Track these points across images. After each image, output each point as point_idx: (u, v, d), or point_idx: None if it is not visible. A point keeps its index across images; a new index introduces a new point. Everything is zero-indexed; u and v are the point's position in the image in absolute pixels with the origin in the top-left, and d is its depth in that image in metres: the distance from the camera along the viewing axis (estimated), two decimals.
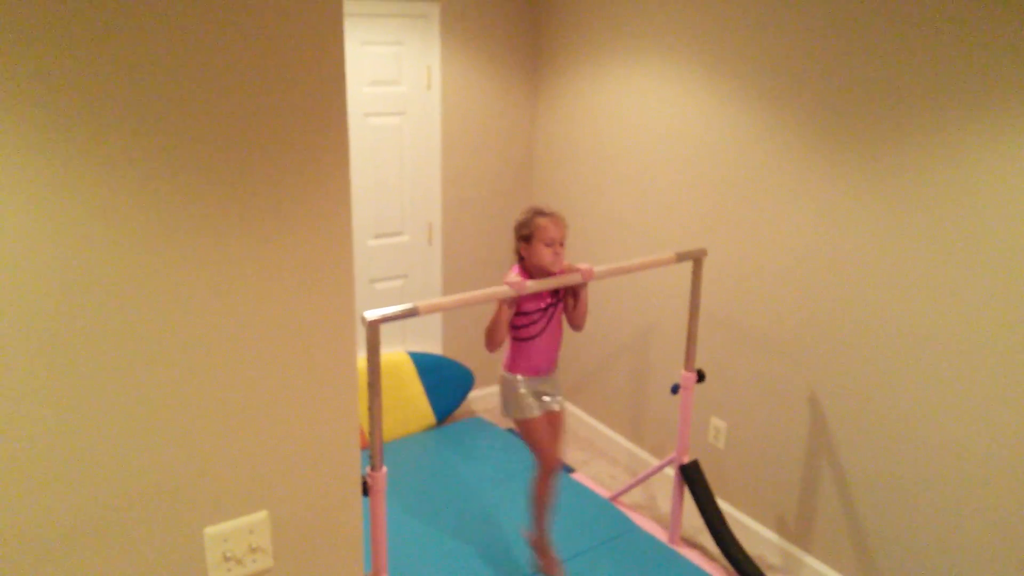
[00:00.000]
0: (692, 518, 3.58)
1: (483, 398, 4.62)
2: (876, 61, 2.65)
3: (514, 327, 2.88)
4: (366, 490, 2.47)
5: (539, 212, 2.87)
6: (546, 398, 3.00)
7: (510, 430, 4.25)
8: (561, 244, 2.83)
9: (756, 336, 3.28)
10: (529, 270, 2.83)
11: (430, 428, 4.21)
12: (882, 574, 2.94)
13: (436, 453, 3.98)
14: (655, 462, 3.87)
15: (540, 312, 2.88)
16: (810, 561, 3.20)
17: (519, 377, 2.94)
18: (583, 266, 2.84)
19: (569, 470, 3.94)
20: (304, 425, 1.27)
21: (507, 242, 2.92)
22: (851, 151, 2.79)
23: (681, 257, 3.00)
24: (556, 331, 2.96)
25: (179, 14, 1.02)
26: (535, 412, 2.95)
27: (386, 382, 4.02)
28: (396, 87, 3.94)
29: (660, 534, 3.40)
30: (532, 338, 2.90)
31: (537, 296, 2.86)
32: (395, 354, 4.17)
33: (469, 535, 3.28)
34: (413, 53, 3.94)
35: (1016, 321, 2.42)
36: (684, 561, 3.15)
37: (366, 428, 3.47)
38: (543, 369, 2.97)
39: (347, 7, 3.67)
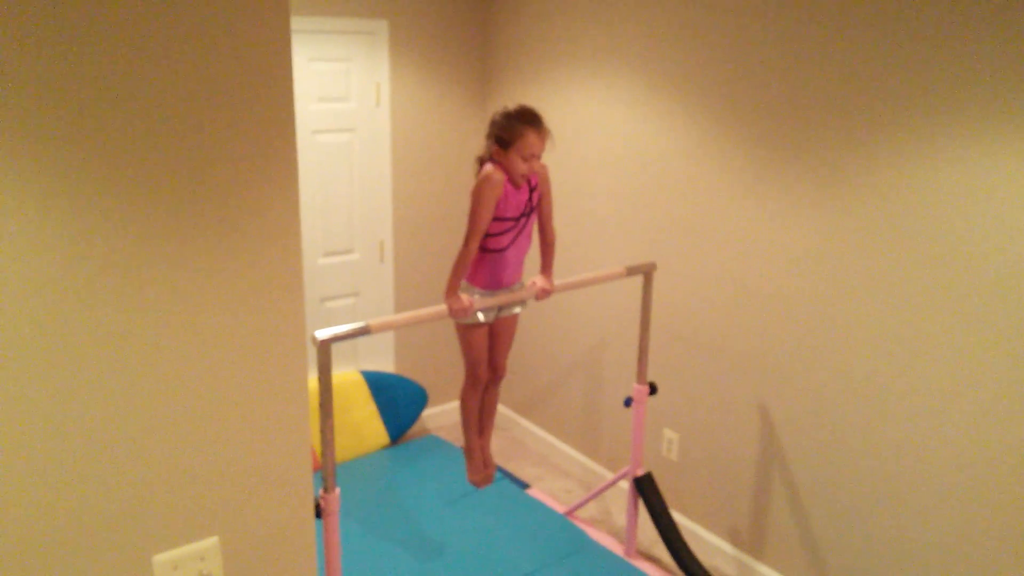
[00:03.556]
0: (648, 530, 3.60)
1: (437, 415, 4.59)
2: (815, 68, 2.72)
3: (484, 235, 2.66)
4: (319, 512, 2.43)
5: (525, 118, 2.54)
6: (503, 311, 2.87)
7: None
8: (539, 157, 2.58)
9: (707, 348, 3.32)
10: (505, 169, 2.60)
11: (384, 447, 4.17)
12: None
13: (390, 473, 3.94)
14: (609, 475, 3.88)
15: (512, 222, 2.67)
16: (764, 570, 3.24)
17: (476, 291, 2.79)
18: (540, 281, 2.81)
19: (524, 486, 3.93)
20: (255, 448, 1.25)
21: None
22: (797, 161, 2.86)
23: (631, 271, 3.03)
24: (524, 243, 2.77)
25: (121, 31, 1.00)
26: (478, 318, 2.81)
27: (338, 402, 3.97)
28: (345, 104, 3.92)
29: (616, 548, 3.41)
30: (500, 251, 2.70)
31: (515, 201, 2.64)
32: (347, 373, 4.12)
33: (425, 555, 3.25)
34: (361, 70, 3.93)
35: (967, 327, 2.49)
36: (641, 575, 3.16)
37: (318, 449, 3.43)
38: (505, 283, 2.80)
39: (294, 24, 3.64)
